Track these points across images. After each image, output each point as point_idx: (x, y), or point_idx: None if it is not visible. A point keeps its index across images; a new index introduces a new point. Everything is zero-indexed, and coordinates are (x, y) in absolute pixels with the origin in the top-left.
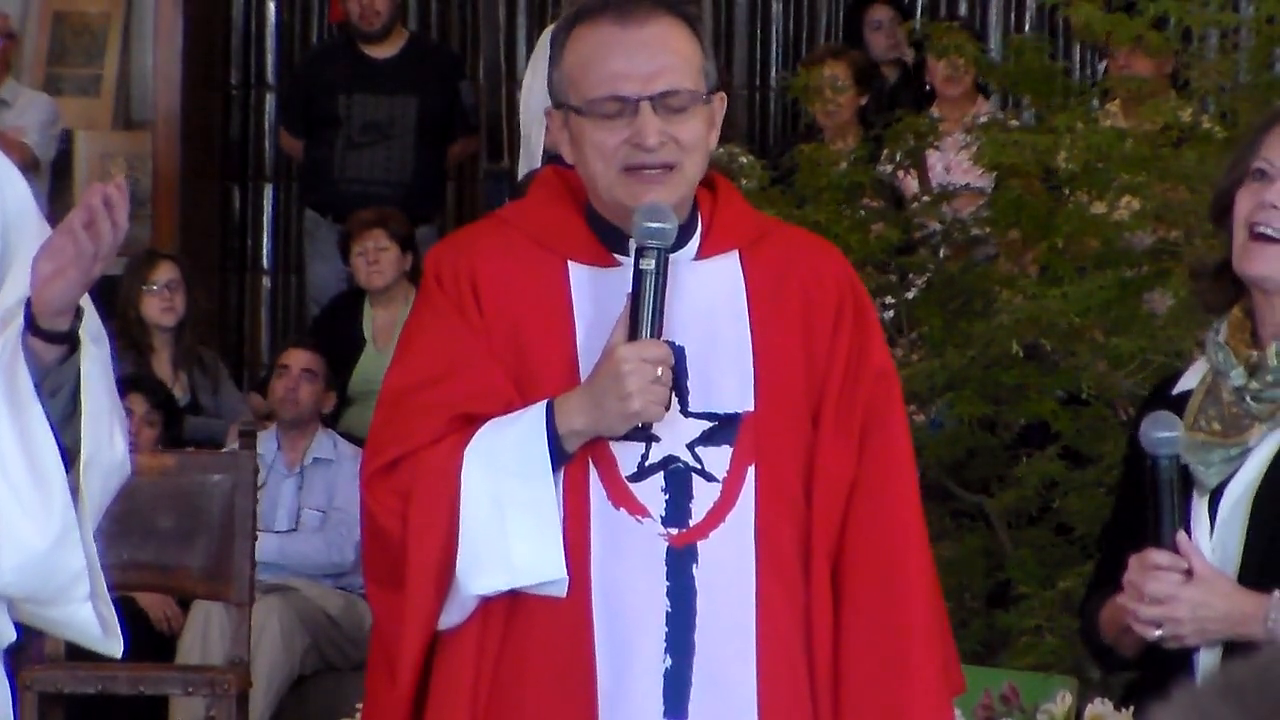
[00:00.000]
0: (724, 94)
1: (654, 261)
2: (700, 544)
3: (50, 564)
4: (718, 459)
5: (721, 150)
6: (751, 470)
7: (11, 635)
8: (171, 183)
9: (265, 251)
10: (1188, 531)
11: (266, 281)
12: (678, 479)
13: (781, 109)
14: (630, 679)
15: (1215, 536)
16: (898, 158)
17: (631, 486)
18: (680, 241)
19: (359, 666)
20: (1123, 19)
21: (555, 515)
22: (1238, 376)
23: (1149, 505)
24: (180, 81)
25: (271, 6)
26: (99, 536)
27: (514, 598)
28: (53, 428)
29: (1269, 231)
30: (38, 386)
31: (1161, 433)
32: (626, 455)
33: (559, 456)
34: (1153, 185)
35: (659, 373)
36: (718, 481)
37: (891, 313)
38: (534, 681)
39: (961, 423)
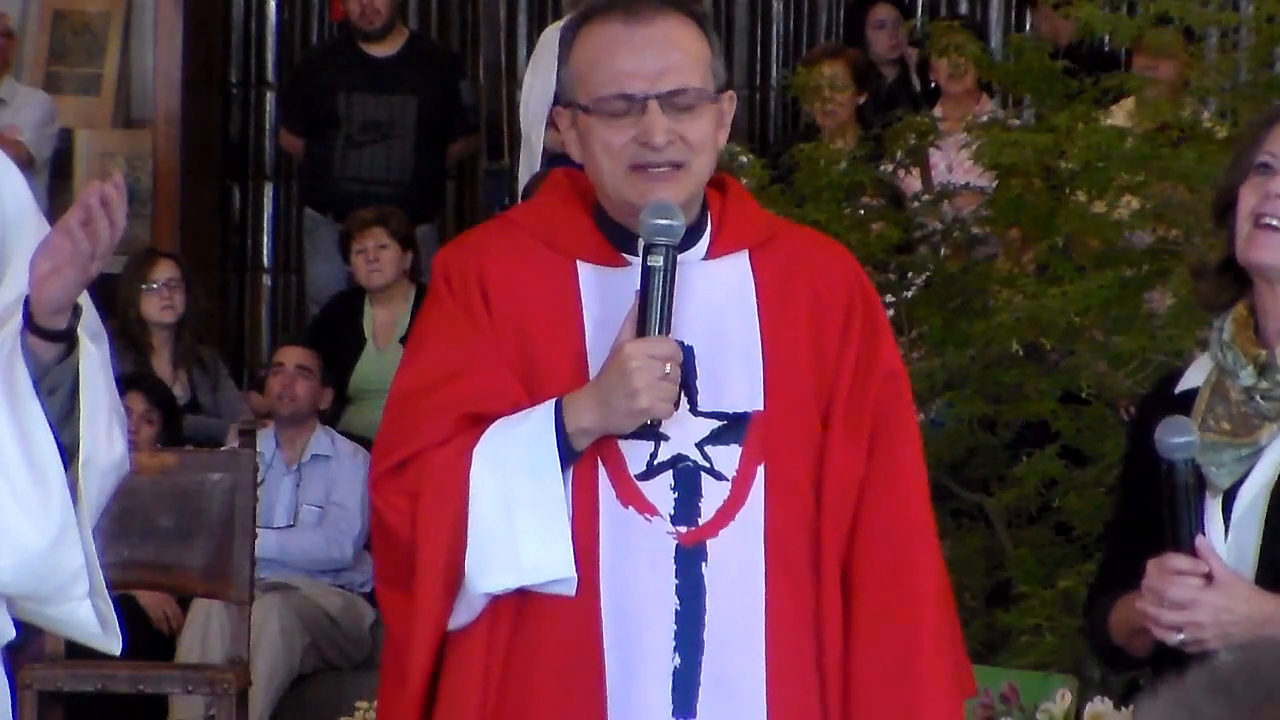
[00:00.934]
0: (733, 93)
1: (662, 259)
2: (709, 542)
3: (49, 562)
4: (727, 458)
5: (722, 150)
6: (761, 469)
7: (11, 633)
8: (171, 181)
9: (265, 250)
10: (1202, 534)
11: (266, 280)
12: (687, 477)
13: (781, 108)
14: (639, 678)
15: (1230, 538)
16: (898, 157)
17: (640, 485)
18: (690, 241)
19: (359, 665)
20: (1123, 19)
21: (564, 514)
22: (1247, 376)
23: (1165, 509)
24: (180, 80)
25: (272, 5)
26: (98, 535)
27: (523, 597)
28: (51, 426)
29: (1274, 222)
30: (36, 385)
31: (1177, 438)
32: (635, 454)
33: (568, 455)
34: (1153, 184)
35: (667, 369)
36: (727, 480)
37: (892, 312)
38: (543, 680)
39: (961, 422)
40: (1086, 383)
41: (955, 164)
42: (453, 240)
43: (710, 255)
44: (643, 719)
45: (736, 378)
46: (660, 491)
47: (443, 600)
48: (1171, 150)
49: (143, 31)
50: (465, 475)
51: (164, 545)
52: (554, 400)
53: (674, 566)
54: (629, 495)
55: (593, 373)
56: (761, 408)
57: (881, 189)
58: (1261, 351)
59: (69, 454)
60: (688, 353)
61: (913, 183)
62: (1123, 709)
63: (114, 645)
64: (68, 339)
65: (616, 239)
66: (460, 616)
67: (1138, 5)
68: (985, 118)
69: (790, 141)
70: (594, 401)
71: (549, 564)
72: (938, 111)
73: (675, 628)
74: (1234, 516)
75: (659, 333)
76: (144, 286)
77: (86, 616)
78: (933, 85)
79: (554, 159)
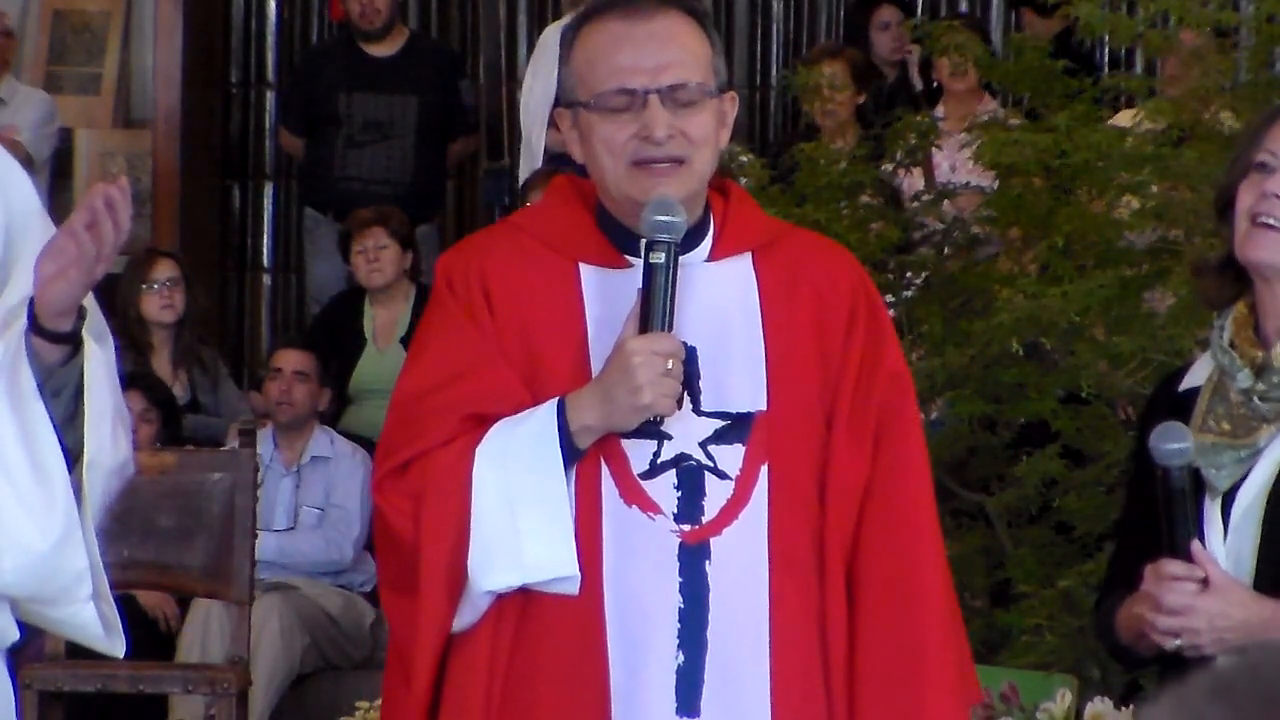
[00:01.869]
0: (734, 94)
1: (664, 255)
2: (713, 540)
3: (52, 564)
4: (730, 457)
5: (723, 149)
6: (764, 469)
7: (15, 635)
8: (171, 181)
9: (265, 250)
10: (1201, 536)
11: (266, 280)
12: (690, 476)
13: (781, 108)
14: (643, 676)
15: (1229, 540)
16: (899, 157)
17: (643, 484)
18: (692, 243)
19: (359, 665)
20: (1123, 18)
21: (567, 512)
22: (1244, 379)
23: (1162, 515)
24: (180, 80)
25: (272, 5)
26: (99, 535)
27: (526, 596)
28: (55, 428)
29: (1271, 221)
30: (40, 387)
31: (1172, 444)
32: (638, 453)
33: (571, 453)
34: (1153, 184)
35: (669, 365)
36: (730, 479)
37: (892, 312)
38: (547, 679)
39: (961, 422)
40: (1086, 383)
41: (958, 163)
42: (455, 245)
43: (713, 257)
44: (647, 717)
45: (740, 378)
46: (664, 490)
47: (447, 601)
48: (1172, 150)
49: (143, 31)
50: (468, 475)
51: (164, 545)
52: (557, 399)
53: (678, 565)
54: (632, 494)
55: (595, 373)
56: (765, 408)
57: (880, 189)
58: (1259, 353)
59: (73, 456)
60: (691, 353)
61: (913, 182)
62: (1123, 709)
63: (118, 648)
64: (72, 341)
65: (618, 240)
66: (464, 617)
67: (1137, 6)
68: (986, 117)
69: (790, 141)
70: (597, 399)
71: (552, 562)
72: (940, 111)
73: (679, 626)
74: (1232, 519)
75: (661, 329)
76: (144, 286)
77: (90, 619)
78: (935, 85)
79: (555, 159)
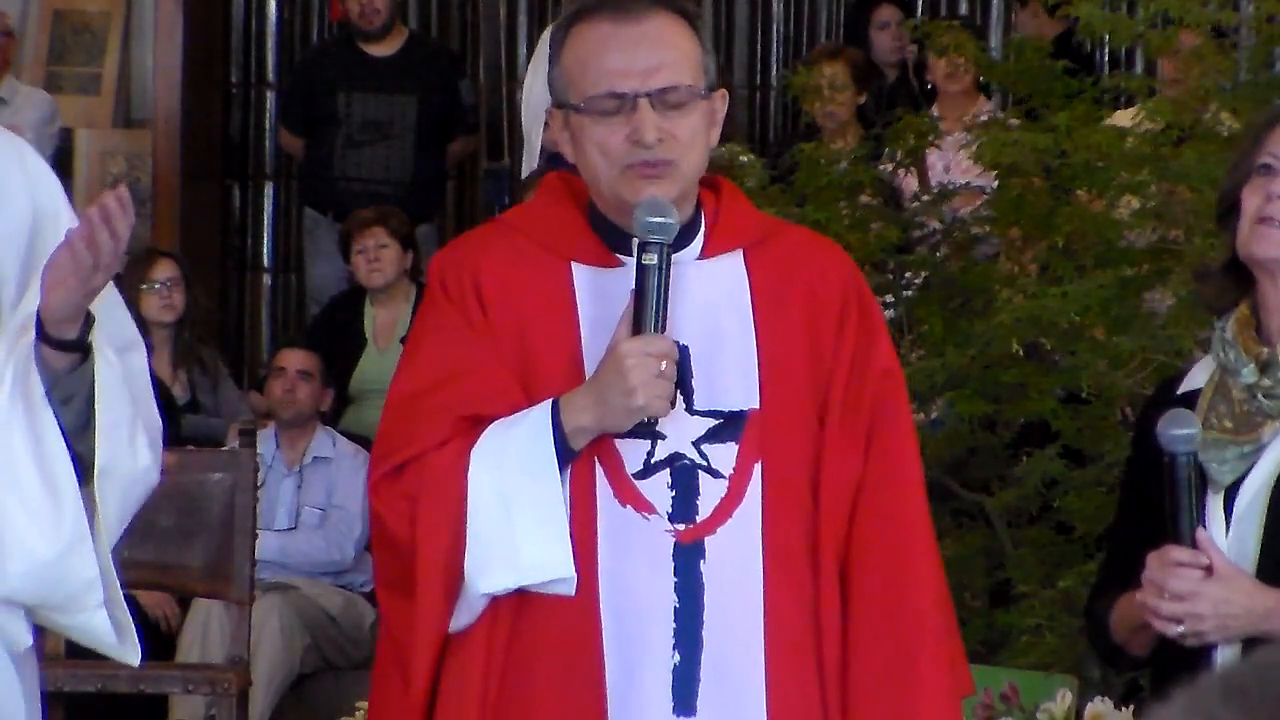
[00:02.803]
0: (725, 91)
1: (656, 256)
2: (708, 540)
3: (58, 572)
4: (724, 456)
5: (723, 149)
6: (758, 467)
7: (27, 640)
8: (171, 181)
9: (265, 250)
10: (1203, 527)
11: (266, 280)
12: (684, 475)
13: (781, 108)
14: (639, 675)
15: (1231, 534)
16: (897, 157)
17: (638, 484)
18: (684, 241)
19: (359, 665)
20: (1123, 19)
21: (562, 513)
22: (1249, 374)
23: (1166, 503)
24: (180, 80)
25: (272, 5)
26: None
27: (522, 597)
28: (65, 436)
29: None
30: (48, 393)
31: (1179, 430)
32: (632, 453)
33: (565, 454)
34: (1153, 184)
35: (663, 367)
36: (724, 478)
37: (891, 312)
38: (543, 679)
39: (962, 422)
40: (1086, 383)
41: (953, 164)
42: (448, 244)
43: (705, 255)
44: (643, 717)
45: (732, 376)
46: (658, 490)
47: (443, 602)
48: (1172, 150)
49: (143, 31)
50: (464, 477)
51: (164, 545)
52: (551, 400)
53: (672, 564)
54: (627, 494)
55: (589, 373)
56: (758, 406)
57: (880, 189)
58: (1263, 349)
59: (85, 465)
60: (683, 352)
61: (912, 182)
62: (1123, 709)
63: (132, 656)
64: (79, 348)
65: (611, 239)
66: (461, 618)
67: (1137, 6)
68: (983, 118)
69: (790, 141)
70: (591, 400)
71: (548, 563)
72: (935, 112)
73: (674, 625)
74: (1235, 513)
75: (655, 331)
76: (144, 286)
77: (101, 626)
78: (929, 86)
79: (552, 158)
